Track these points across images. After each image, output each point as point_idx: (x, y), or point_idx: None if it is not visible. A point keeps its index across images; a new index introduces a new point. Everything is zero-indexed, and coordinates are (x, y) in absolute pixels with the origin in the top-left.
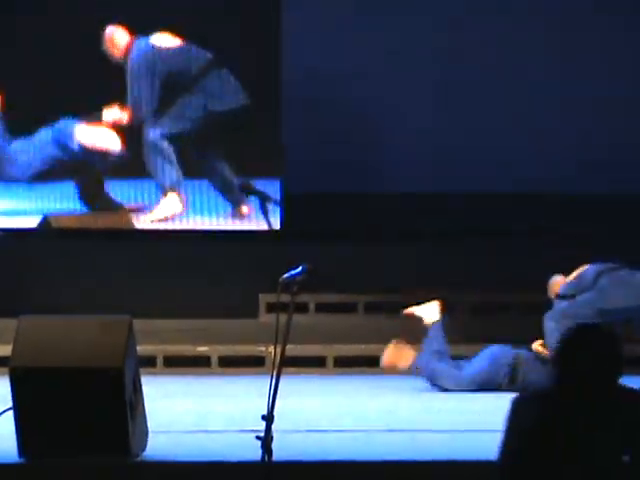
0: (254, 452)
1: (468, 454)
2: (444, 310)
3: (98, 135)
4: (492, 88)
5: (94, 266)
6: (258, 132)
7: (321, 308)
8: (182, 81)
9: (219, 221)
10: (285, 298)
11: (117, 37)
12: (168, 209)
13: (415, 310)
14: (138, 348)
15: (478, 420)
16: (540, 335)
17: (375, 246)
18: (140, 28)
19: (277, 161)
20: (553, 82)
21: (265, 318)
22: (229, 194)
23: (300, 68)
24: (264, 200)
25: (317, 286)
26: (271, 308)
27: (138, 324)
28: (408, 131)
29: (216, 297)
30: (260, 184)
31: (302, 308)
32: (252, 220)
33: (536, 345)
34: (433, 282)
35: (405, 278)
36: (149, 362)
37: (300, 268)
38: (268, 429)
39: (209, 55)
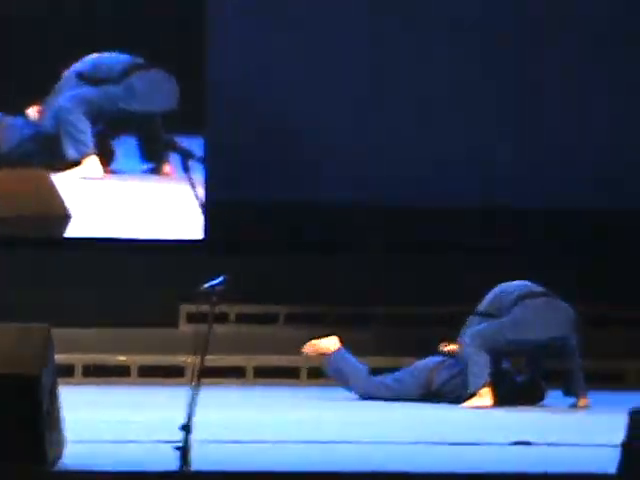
0: (172, 462)
1: (387, 465)
2: (342, 342)
3: None
4: (413, 91)
5: (12, 273)
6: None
7: (242, 318)
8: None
9: (139, 178)
10: (205, 308)
11: None
12: (87, 172)
13: (314, 345)
14: (57, 357)
15: (399, 431)
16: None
17: (297, 257)
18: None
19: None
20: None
21: (185, 328)
22: (148, 151)
23: (227, 75)
24: (187, 157)
25: (238, 297)
26: (191, 318)
27: (57, 333)
28: (335, 141)
29: (136, 306)
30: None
31: (222, 318)
32: (174, 179)
33: (445, 347)
34: (353, 294)
35: (326, 289)
36: (68, 371)
37: (220, 278)
38: (186, 439)
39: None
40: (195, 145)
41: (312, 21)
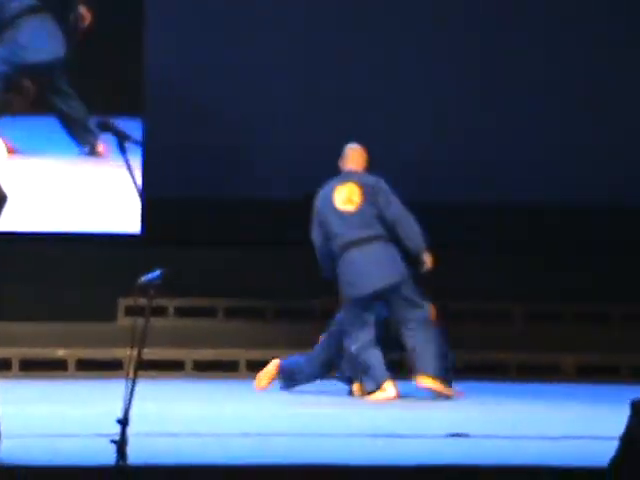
0: (109, 456)
1: (319, 458)
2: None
3: None
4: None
5: None
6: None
7: (180, 312)
8: None
9: (72, 162)
10: (143, 302)
11: None
12: None
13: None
14: None
15: (331, 424)
16: None
17: (236, 250)
18: None
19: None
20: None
21: (124, 321)
22: (78, 133)
23: (166, 69)
24: (122, 139)
25: (177, 290)
26: (130, 311)
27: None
28: (275, 135)
29: (74, 300)
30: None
31: (162, 312)
32: (109, 159)
33: None
34: (291, 289)
35: (264, 284)
36: (5, 366)
37: (157, 272)
38: (123, 433)
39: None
40: (132, 127)
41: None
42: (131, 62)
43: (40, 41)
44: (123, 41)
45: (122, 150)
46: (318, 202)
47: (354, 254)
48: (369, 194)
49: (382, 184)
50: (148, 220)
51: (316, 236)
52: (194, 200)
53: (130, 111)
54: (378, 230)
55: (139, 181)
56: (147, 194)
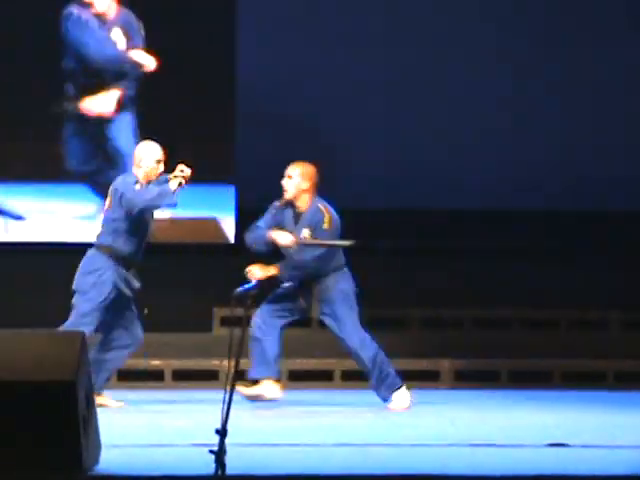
0: (207, 466)
1: (419, 468)
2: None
3: None
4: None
5: (46, 281)
6: (212, 147)
7: None
8: None
9: None
10: (239, 312)
11: None
12: None
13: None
14: None
15: (428, 434)
16: None
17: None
18: None
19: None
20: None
21: (219, 332)
22: None
23: (257, 83)
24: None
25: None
26: (225, 322)
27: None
28: (362, 148)
29: (170, 310)
30: (214, 190)
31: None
32: None
33: None
34: (386, 297)
35: (360, 292)
36: None
37: (254, 282)
38: (222, 443)
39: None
40: (225, 147)
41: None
42: (223, 79)
43: None
44: (215, 59)
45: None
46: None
47: None
48: None
49: None
50: (242, 230)
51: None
52: None
53: (223, 127)
54: None
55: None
56: (241, 204)
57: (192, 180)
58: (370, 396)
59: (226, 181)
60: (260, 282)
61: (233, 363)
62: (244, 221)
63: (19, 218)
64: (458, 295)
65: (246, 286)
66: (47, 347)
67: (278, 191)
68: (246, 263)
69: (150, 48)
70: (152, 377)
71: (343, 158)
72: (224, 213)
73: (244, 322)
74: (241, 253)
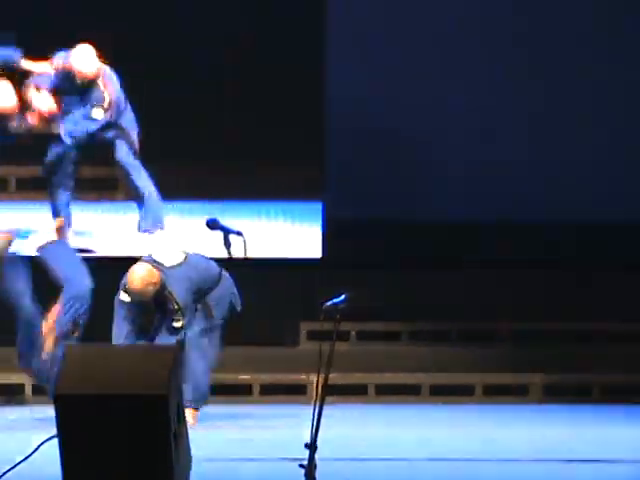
0: None
1: None
2: None
3: None
4: (544, 118)
5: None
6: (302, 162)
7: (363, 336)
8: None
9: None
10: (327, 326)
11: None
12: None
13: None
14: None
15: (520, 447)
16: None
17: (417, 274)
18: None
19: (318, 185)
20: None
21: (306, 346)
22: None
23: (346, 99)
24: (227, 234)
25: (359, 314)
26: (312, 336)
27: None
28: (455, 162)
29: (258, 325)
30: (302, 208)
31: (344, 336)
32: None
33: None
34: (475, 311)
35: (448, 305)
36: None
37: (342, 296)
38: (311, 457)
39: None
40: (311, 161)
41: (421, 38)
42: (311, 93)
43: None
44: (303, 75)
45: (227, 245)
46: None
47: None
48: None
49: None
50: (329, 244)
51: None
52: (374, 223)
53: (310, 135)
54: None
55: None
56: (327, 218)
57: (280, 195)
58: (460, 411)
59: (315, 197)
60: (348, 296)
61: (322, 377)
62: (332, 236)
63: (239, 234)
64: (552, 309)
65: (335, 300)
66: (141, 361)
67: (367, 206)
68: (333, 277)
69: (237, 63)
70: (240, 391)
71: (434, 172)
72: (312, 226)
73: (334, 336)
74: (328, 267)
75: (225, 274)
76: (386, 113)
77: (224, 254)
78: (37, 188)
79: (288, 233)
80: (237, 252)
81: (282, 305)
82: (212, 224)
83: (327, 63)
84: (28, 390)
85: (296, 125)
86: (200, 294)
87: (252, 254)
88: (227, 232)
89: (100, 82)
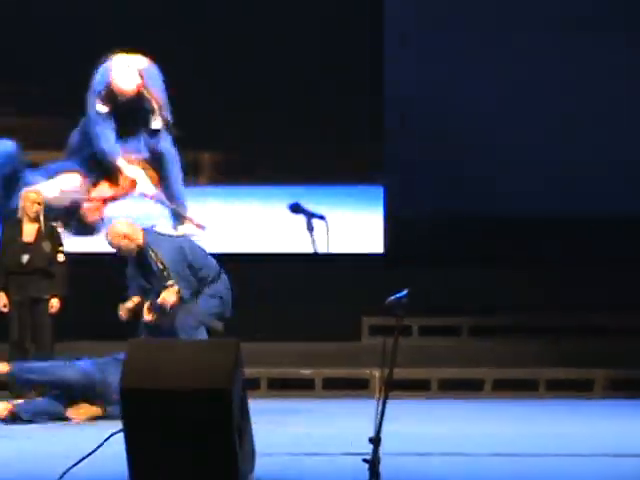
0: (361, 475)
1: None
2: None
3: None
4: (614, 119)
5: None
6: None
7: (425, 331)
8: None
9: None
10: (389, 321)
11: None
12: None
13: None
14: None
15: (579, 443)
16: None
17: (477, 269)
18: None
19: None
20: None
21: (368, 341)
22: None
23: (404, 92)
24: (310, 217)
25: (420, 309)
26: (374, 331)
27: (243, 347)
28: (510, 156)
29: (319, 320)
30: (364, 203)
31: (406, 331)
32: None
33: None
34: (530, 307)
35: (503, 301)
36: (253, 385)
37: (405, 291)
38: (375, 452)
39: None
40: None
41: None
42: (371, 97)
43: None
44: (363, 73)
45: (310, 229)
46: None
47: None
48: None
49: None
50: (391, 240)
51: None
52: (436, 219)
53: (372, 129)
54: None
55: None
56: (389, 215)
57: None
58: (523, 406)
59: (376, 191)
60: (410, 292)
61: (386, 372)
62: (394, 231)
63: (321, 218)
64: (621, 303)
65: (398, 295)
66: (203, 356)
67: (429, 202)
68: (395, 272)
69: (299, 63)
70: (303, 386)
71: (497, 169)
72: (374, 220)
73: (397, 331)
74: (390, 263)
75: (224, 275)
76: (446, 113)
77: (307, 238)
78: None
79: (351, 228)
80: (319, 235)
81: (344, 300)
82: (295, 208)
83: (387, 61)
84: None
85: (357, 123)
86: (194, 270)
87: (316, 249)
88: (310, 216)
89: (145, 91)
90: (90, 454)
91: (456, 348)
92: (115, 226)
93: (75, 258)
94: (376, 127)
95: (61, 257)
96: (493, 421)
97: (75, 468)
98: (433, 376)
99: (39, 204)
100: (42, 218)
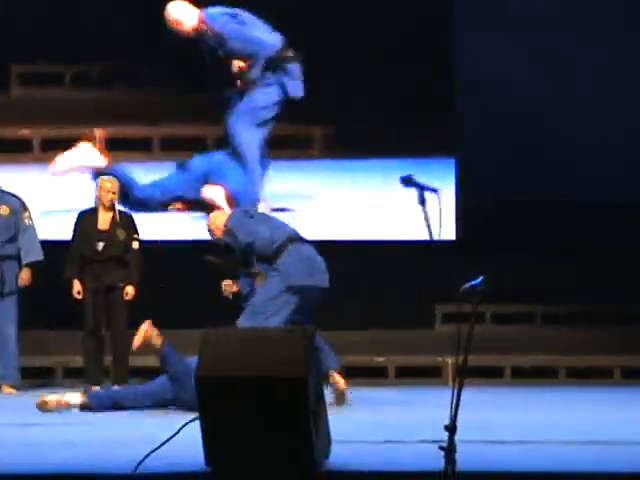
0: (437, 462)
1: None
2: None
3: None
4: None
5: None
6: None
7: (498, 318)
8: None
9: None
10: (463, 309)
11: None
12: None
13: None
14: None
15: (630, 430)
16: None
17: (553, 257)
18: None
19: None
20: None
21: (441, 328)
22: None
23: (478, 78)
24: (423, 190)
25: (494, 296)
26: (447, 318)
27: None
28: (588, 142)
29: (393, 307)
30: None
31: (479, 318)
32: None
33: None
34: (607, 294)
35: (581, 289)
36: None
37: (480, 279)
38: (451, 439)
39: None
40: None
41: (555, 25)
42: (444, 82)
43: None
44: (433, 59)
45: (422, 202)
46: None
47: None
48: None
49: None
50: (463, 226)
51: None
52: (509, 206)
53: (444, 116)
54: None
55: (434, 228)
56: (461, 201)
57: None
58: (597, 393)
59: (448, 177)
60: (485, 279)
61: (461, 359)
62: (466, 218)
63: (434, 191)
64: None
65: (473, 282)
66: (278, 343)
67: (502, 188)
68: (468, 259)
69: (372, 47)
70: (376, 373)
71: (571, 155)
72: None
73: (472, 319)
74: (463, 249)
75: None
76: (522, 99)
77: (419, 211)
78: None
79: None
80: (432, 209)
81: (417, 288)
82: (407, 180)
83: (465, 44)
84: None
85: (429, 106)
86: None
87: (389, 236)
88: (423, 189)
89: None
90: (167, 441)
91: (529, 335)
92: (215, 217)
93: (148, 246)
94: (452, 111)
95: (136, 245)
96: (567, 408)
97: (152, 455)
98: (506, 363)
99: (114, 193)
100: (116, 206)
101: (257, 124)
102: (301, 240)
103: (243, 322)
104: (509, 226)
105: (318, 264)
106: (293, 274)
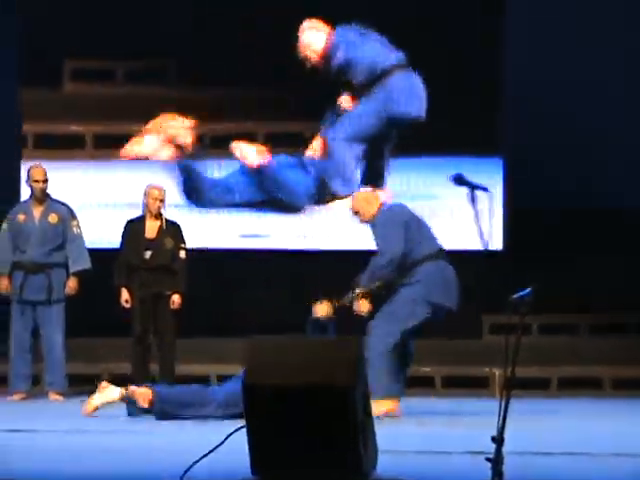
0: (484, 474)
1: None
2: None
3: None
4: None
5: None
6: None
7: (544, 329)
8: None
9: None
10: (511, 319)
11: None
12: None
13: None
14: None
15: None
16: None
17: (598, 265)
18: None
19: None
20: None
21: (489, 339)
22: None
23: (523, 91)
24: (473, 189)
25: (540, 307)
26: (494, 329)
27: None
28: (625, 150)
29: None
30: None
31: (525, 329)
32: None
33: None
34: None
35: (630, 298)
36: None
37: (529, 289)
38: (498, 451)
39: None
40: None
41: (597, 34)
42: (491, 97)
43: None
44: (481, 60)
45: (473, 201)
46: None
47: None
48: None
49: None
50: (510, 236)
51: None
52: (555, 214)
53: (489, 121)
54: None
55: (484, 226)
56: (508, 209)
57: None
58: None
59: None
60: (534, 289)
61: (509, 370)
62: (513, 227)
63: (485, 190)
64: None
65: (522, 293)
66: (329, 352)
67: (548, 195)
68: (515, 270)
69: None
70: (423, 383)
71: (614, 159)
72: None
73: (519, 329)
74: (510, 259)
75: None
76: (563, 110)
77: (470, 210)
78: None
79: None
80: (482, 208)
81: (465, 298)
82: (458, 179)
83: (512, 46)
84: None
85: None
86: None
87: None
88: (473, 187)
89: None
90: (213, 450)
91: (576, 346)
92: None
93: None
94: (501, 114)
95: (182, 254)
96: (614, 420)
97: (199, 463)
98: (553, 375)
99: (161, 201)
100: (164, 215)
101: (358, 139)
102: (445, 259)
103: (377, 322)
104: (555, 234)
105: (454, 287)
106: (434, 290)
